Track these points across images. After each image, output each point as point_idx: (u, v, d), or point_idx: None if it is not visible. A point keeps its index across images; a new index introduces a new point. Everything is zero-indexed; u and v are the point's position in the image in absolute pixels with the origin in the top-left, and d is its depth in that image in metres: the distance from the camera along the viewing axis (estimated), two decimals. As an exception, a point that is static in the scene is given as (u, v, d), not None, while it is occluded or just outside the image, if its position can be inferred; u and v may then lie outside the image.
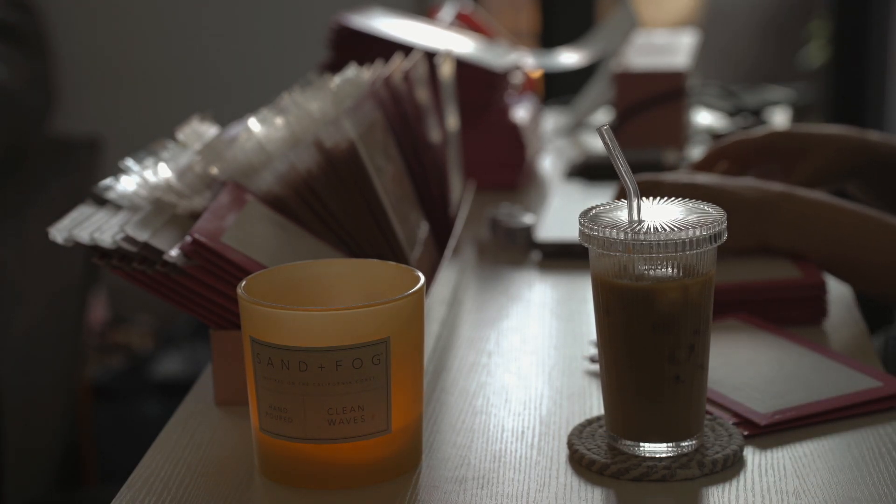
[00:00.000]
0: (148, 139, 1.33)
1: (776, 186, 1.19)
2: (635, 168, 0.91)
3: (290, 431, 0.86)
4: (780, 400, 0.95)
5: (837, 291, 1.21)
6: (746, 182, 1.20)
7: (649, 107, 1.74)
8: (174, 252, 0.97)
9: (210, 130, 1.15)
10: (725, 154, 1.35)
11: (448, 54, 1.38)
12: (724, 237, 0.87)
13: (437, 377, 1.07)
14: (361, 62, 1.26)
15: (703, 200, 1.01)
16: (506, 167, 1.66)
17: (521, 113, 1.72)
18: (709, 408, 0.96)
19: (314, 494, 0.87)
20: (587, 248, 0.87)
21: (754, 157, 1.34)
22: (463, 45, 1.72)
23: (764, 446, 0.91)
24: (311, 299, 0.93)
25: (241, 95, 2.72)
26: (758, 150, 1.33)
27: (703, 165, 1.36)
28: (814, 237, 1.16)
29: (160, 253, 0.98)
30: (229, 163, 1.05)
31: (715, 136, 1.80)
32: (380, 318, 0.85)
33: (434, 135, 1.27)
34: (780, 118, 1.96)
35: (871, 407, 0.96)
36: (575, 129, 1.95)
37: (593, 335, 1.04)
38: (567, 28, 2.77)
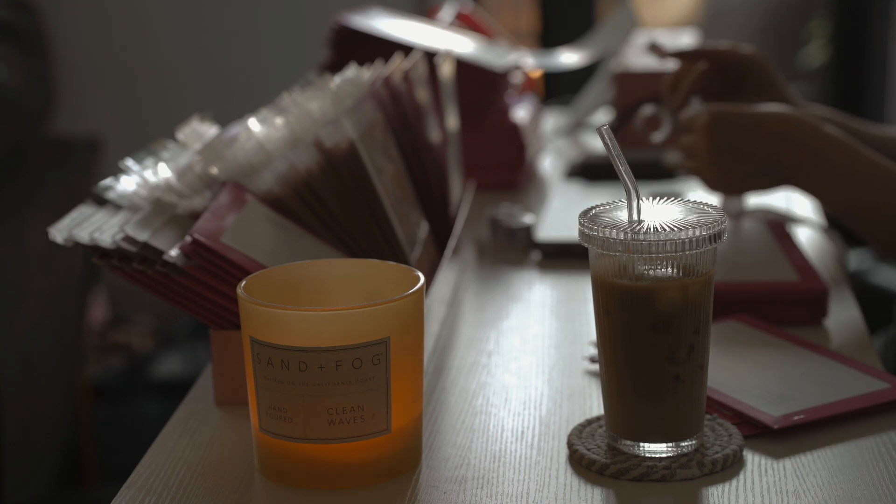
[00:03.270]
0: (148, 139, 1.33)
1: (828, 128, 1.22)
2: (635, 168, 0.91)
3: (290, 431, 0.86)
4: (792, 403, 0.95)
5: (837, 292, 1.21)
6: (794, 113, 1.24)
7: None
8: (174, 252, 0.97)
9: (210, 130, 1.15)
10: (709, 54, 1.37)
11: (448, 54, 1.38)
12: (724, 237, 0.87)
13: (437, 377, 1.07)
14: (361, 62, 1.26)
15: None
16: (506, 167, 1.66)
17: (521, 113, 1.72)
18: (717, 409, 0.96)
19: (314, 494, 0.87)
20: (587, 248, 0.87)
21: (731, 68, 1.36)
22: (463, 45, 1.72)
23: (764, 446, 0.91)
24: (311, 299, 0.93)
25: (241, 95, 2.72)
26: (738, 62, 1.36)
27: (690, 55, 1.38)
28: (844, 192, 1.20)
29: (160, 253, 0.98)
30: (229, 163, 1.05)
31: None
32: (380, 318, 0.85)
33: (434, 135, 1.27)
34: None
35: (880, 409, 0.96)
36: (575, 129, 1.95)
37: (593, 335, 1.04)
38: (567, 28, 2.77)
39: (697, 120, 1.27)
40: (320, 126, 1.06)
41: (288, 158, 1.04)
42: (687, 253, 0.85)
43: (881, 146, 1.31)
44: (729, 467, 0.88)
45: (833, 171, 1.19)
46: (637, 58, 1.85)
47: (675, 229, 0.85)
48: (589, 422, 0.95)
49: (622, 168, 0.87)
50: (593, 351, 1.08)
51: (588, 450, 0.90)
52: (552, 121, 2.01)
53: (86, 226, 1.02)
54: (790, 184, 1.24)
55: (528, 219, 1.40)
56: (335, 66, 1.57)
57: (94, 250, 1.01)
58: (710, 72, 1.36)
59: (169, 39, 2.77)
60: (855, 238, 1.26)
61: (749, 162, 1.24)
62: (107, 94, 2.79)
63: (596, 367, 1.06)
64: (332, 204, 1.05)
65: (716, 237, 0.86)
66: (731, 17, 3.35)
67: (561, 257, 1.35)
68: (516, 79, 1.78)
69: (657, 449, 0.89)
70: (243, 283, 0.89)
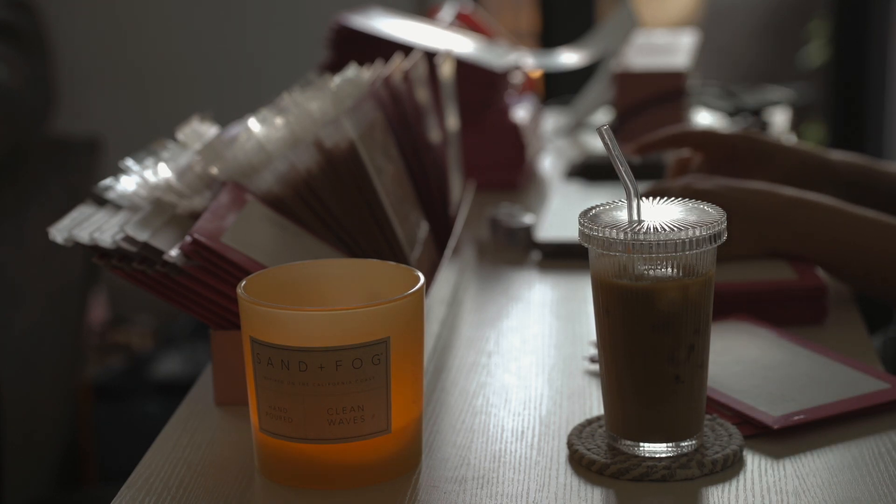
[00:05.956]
0: (148, 139, 1.33)
1: (786, 191, 1.19)
2: (635, 168, 0.91)
3: (290, 431, 0.86)
4: (791, 403, 0.95)
5: (837, 291, 1.21)
6: (754, 185, 1.20)
7: (649, 107, 1.74)
8: (174, 252, 0.97)
9: (210, 130, 1.15)
10: (690, 139, 1.33)
11: (448, 54, 1.38)
12: (724, 237, 0.87)
13: (437, 377, 1.07)
14: (361, 62, 1.26)
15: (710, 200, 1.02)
16: (506, 167, 1.66)
17: (521, 113, 1.72)
18: (717, 409, 0.96)
19: (314, 494, 0.87)
20: (587, 248, 0.87)
21: (715, 152, 1.32)
22: (463, 45, 1.72)
23: (764, 446, 0.91)
24: (311, 299, 0.93)
25: (241, 95, 2.72)
26: (720, 145, 1.32)
27: (668, 143, 1.34)
28: (824, 244, 1.16)
29: (160, 253, 0.98)
30: (229, 163, 1.05)
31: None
32: (380, 318, 0.85)
33: (434, 135, 1.27)
34: (780, 118, 1.96)
35: (880, 409, 0.96)
36: (575, 129, 1.95)
37: (593, 335, 1.04)
38: (567, 28, 2.77)
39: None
40: (320, 126, 1.06)
41: (288, 158, 1.04)
42: (687, 253, 0.85)
43: None
44: (729, 467, 0.88)
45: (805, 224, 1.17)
46: (637, 58, 1.85)
47: (675, 229, 0.85)
48: (589, 422, 0.95)
49: (622, 168, 0.87)
50: (593, 351, 1.08)
51: (588, 450, 0.90)
52: (552, 121, 2.01)
53: (86, 226, 1.02)
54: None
55: (528, 219, 1.40)
56: (335, 66, 1.57)
57: (94, 250, 1.01)
58: (697, 159, 1.33)
59: (169, 39, 2.77)
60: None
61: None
62: (107, 94, 2.79)
63: (596, 367, 1.06)
64: (332, 204, 1.05)
65: (716, 237, 0.86)
66: (731, 16, 3.35)
67: (561, 257, 1.35)
68: (516, 79, 1.78)
69: (657, 449, 0.89)
70: (243, 283, 0.89)
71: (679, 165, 1.36)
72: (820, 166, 1.30)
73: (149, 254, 0.98)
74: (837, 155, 1.32)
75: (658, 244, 0.85)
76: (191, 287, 0.99)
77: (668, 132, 1.34)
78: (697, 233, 0.85)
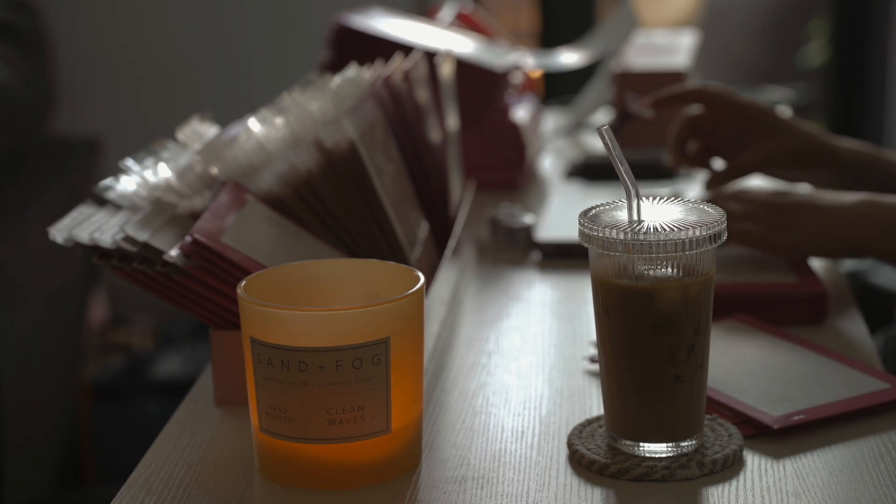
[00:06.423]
0: (148, 139, 1.33)
1: (851, 196, 1.19)
2: (635, 168, 0.91)
3: (290, 431, 0.86)
4: (791, 403, 0.95)
5: (837, 291, 1.21)
6: (824, 194, 1.20)
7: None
8: (174, 252, 0.97)
9: (210, 130, 1.15)
10: (706, 96, 1.34)
11: (448, 54, 1.38)
12: (724, 237, 0.87)
13: (437, 377, 1.07)
14: (361, 62, 1.26)
15: (792, 210, 1.12)
16: (506, 167, 1.66)
17: (521, 113, 1.72)
18: (717, 409, 0.96)
19: (314, 494, 0.87)
20: (587, 248, 0.87)
21: (728, 113, 1.33)
22: (463, 45, 1.72)
23: (764, 446, 0.91)
24: (311, 299, 0.93)
25: (241, 95, 2.72)
26: (734, 108, 1.33)
27: (683, 97, 1.36)
28: None
29: (160, 253, 0.98)
30: (229, 163, 1.05)
31: None
32: (380, 318, 0.85)
33: (434, 135, 1.27)
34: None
35: (880, 409, 0.96)
36: (575, 129, 1.95)
37: (593, 335, 1.04)
38: (567, 28, 2.77)
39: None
40: (320, 126, 1.06)
41: (288, 158, 1.04)
42: (687, 253, 0.85)
43: None
44: (729, 467, 0.88)
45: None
46: (637, 58, 1.85)
47: (675, 229, 0.85)
48: (589, 422, 0.95)
49: (622, 168, 0.87)
50: (593, 351, 1.08)
51: (588, 450, 0.90)
52: (552, 121, 2.01)
53: (86, 226, 1.02)
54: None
55: (528, 219, 1.40)
56: (335, 66, 1.57)
57: (94, 250, 1.01)
58: (706, 115, 1.34)
59: (169, 39, 2.77)
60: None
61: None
62: (107, 94, 2.79)
63: (596, 367, 1.06)
64: (332, 204, 1.05)
65: (716, 237, 0.86)
66: (730, 16, 3.35)
67: (561, 257, 1.35)
68: (516, 79, 1.78)
69: (657, 449, 0.89)
70: (243, 283, 0.89)
71: (687, 123, 1.35)
72: (825, 149, 1.31)
73: (149, 254, 0.98)
74: (845, 142, 1.33)
75: (658, 244, 0.85)
76: (191, 287, 0.99)
77: (685, 86, 1.36)
78: (697, 233, 0.85)
